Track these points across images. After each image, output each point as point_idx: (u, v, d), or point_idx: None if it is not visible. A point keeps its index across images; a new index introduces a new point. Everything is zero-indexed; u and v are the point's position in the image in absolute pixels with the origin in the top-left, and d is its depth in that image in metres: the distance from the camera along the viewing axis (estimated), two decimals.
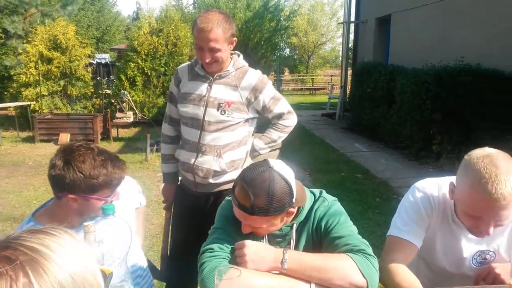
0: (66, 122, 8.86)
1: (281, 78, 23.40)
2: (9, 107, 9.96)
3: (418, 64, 7.55)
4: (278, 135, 2.19)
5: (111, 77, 13.27)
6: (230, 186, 2.07)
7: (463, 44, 7.36)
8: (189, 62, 2.18)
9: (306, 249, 1.41)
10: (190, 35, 10.32)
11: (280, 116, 2.15)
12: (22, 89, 9.89)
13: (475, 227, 1.32)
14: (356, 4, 12.79)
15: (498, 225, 1.30)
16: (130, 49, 10.56)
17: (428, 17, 8.66)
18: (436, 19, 8.41)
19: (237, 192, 1.29)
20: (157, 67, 10.38)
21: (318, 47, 29.56)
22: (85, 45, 10.94)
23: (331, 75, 26.08)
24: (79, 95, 10.51)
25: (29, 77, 9.87)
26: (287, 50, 28.78)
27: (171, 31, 10.57)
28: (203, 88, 2.04)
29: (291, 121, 2.20)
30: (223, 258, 1.30)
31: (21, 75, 9.93)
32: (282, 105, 2.14)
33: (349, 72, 13.28)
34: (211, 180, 2.08)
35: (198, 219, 2.12)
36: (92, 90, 10.85)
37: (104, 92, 10.66)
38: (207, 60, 1.93)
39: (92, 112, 10.35)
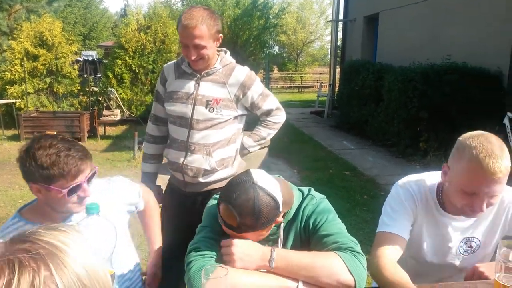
0: (52, 120, 8.73)
1: (270, 76, 23.42)
2: None
3: (406, 63, 7.61)
4: (267, 132, 2.18)
5: (98, 75, 13.16)
6: (219, 185, 2.06)
7: (452, 42, 7.41)
8: (175, 60, 2.15)
9: (294, 247, 1.41)
10: None
11: (268, 112, 2.14)
12: (7, 87, 9.76)
13: (468, 205, 1.38)
14: (345, 3, 12.85)
15: (489, 204, 1.37)
16: (118, 46, 10.46)
17: (417, 15, 8.71)
18: (425, 17, 8.46)
19: (222, 212, 1.27)
20: (145, 65, 10.30)
21: (307, 45, 29.65)
22: (71, 42, 10.82)
23: (320, 73, 26.12)
24: (65, 92, 10.39)
25: (15, 75, 9.74)
26: (276, 48, 28.87)
27: (159, 28, 10.50)
28: (190, 85, 2.02)
29: (280, 117, 2.19)
30: (210, 257, 1.29)
31: (6, 72, 9.79)
32: (270, 101, 2.12)
33: (338, 70, 13.35)
34: (201, 179, 2.06)
35: (188, 219, 2.10)
36: (79, 88, 10.74)
37: (91, 90, 10.53)
38: (193, 58, 1.91)
39: (79, 110, 10.22)
